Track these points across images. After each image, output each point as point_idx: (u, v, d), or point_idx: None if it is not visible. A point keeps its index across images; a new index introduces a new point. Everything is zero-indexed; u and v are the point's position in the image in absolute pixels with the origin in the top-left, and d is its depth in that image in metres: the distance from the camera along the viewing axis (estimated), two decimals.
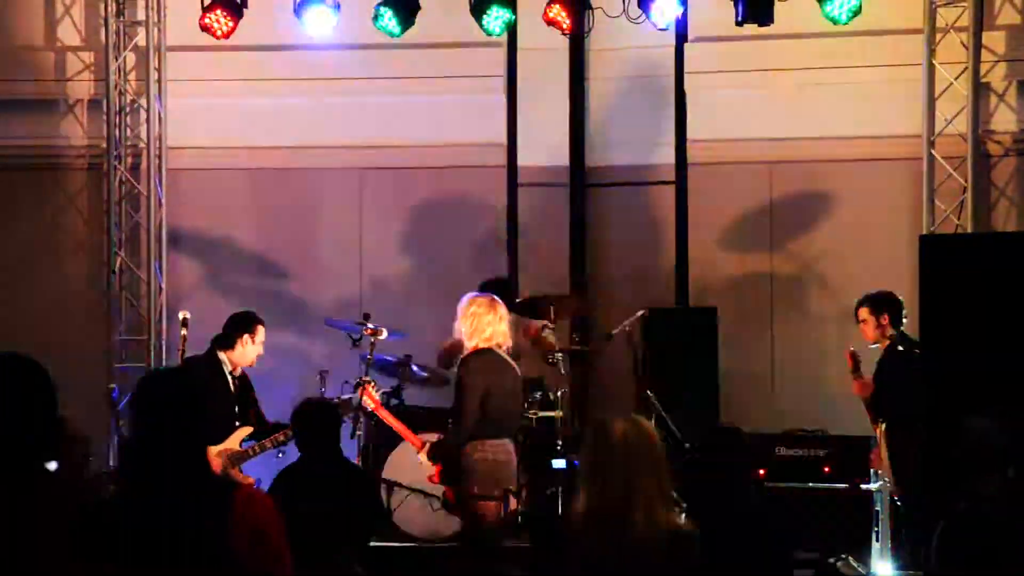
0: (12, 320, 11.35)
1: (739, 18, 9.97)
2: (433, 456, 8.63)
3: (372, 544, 8.20)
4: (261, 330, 9.34)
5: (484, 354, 8.55)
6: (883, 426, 9.19)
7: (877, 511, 9.03)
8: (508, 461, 8.53)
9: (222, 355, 9.23)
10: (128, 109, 11.53)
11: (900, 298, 9.50)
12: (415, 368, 10.15)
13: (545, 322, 10.17)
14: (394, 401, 9.93)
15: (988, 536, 4.99)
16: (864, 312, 9.50)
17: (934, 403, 8.08)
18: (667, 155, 11.38)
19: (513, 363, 8.61)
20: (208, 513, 3.92)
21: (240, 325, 9.28)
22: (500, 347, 8.53)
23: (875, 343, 9.46)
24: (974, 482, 5.08)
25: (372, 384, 9.42)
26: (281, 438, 9.12)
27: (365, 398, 9.30)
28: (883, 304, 9.45)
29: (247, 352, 9.28)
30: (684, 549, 4.38)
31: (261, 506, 4.08)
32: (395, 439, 9.79)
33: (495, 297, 8.73)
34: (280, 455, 9.70)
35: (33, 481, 3.93)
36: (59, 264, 11.61)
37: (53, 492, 3.97)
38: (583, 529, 4.36)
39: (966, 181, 10.70)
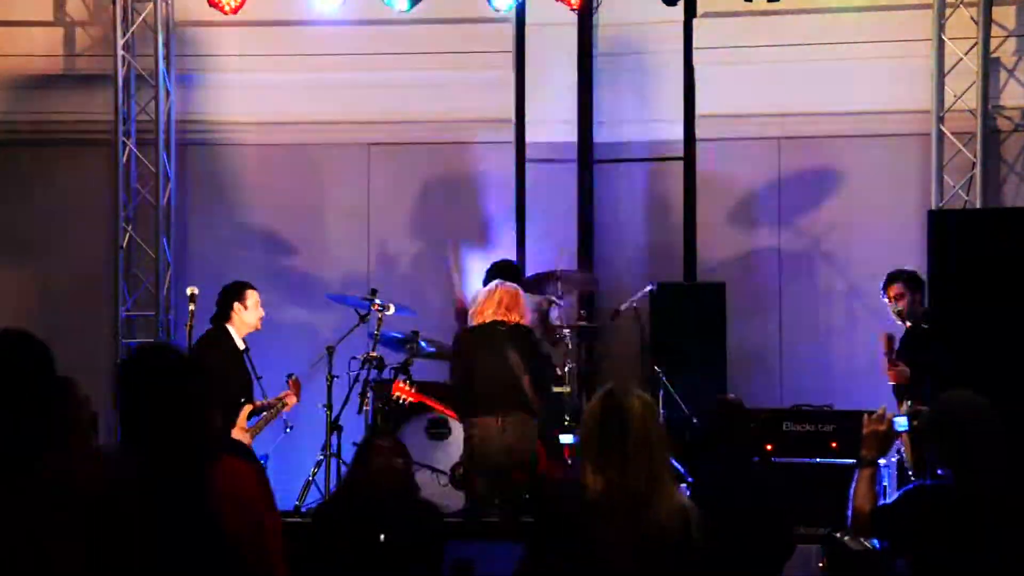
0: (21, 295, 11.38)
1: None
2: None
3: None
4: (252, 293, 9.37)
5: (469, 329, 8.67)
6: (907, 404, 9.01)
7: (885, 486, 9.04)
8: (492, 438, 8.58)
9: (229, 328, 9.27)
10: (136, 85, 11.52)
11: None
12: (422, 343, 10.16)
13: (552, 297, 10.18)
14: (402, 376, 9.93)
15: (951, 511, 4.96)
16: (899, 288, 9.37)
17: (942, 378, 8.06)
18: (675, 131, 11.34)
19: (503, 338, 8.63)
20: (189, 485, 3.89)
21: (229, 295, 9.32)
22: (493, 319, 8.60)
23: (904, 321, 9.35)
24: (961, 456, 5.01)
25: (403, 381, 9.48)
26: (273, 414, 9.23)
27: (400, 395, 9.39)
28: (919, 281, 9.33)
29: (245, 318, 9.32)
30: (691, 526, 4.36)
31: (244, 477, 4.03)
32: (404, 416, 9.81)
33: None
34: (289, 430, 9.74)
35: (33, 459, 3.90)
36: (67, 240, 11.60)
37: (57, 467, 3.95)
38: (600, 509, 4.31)
39: (975, 157, 10.67)
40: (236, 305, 9.29)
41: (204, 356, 8.98)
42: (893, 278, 9.45)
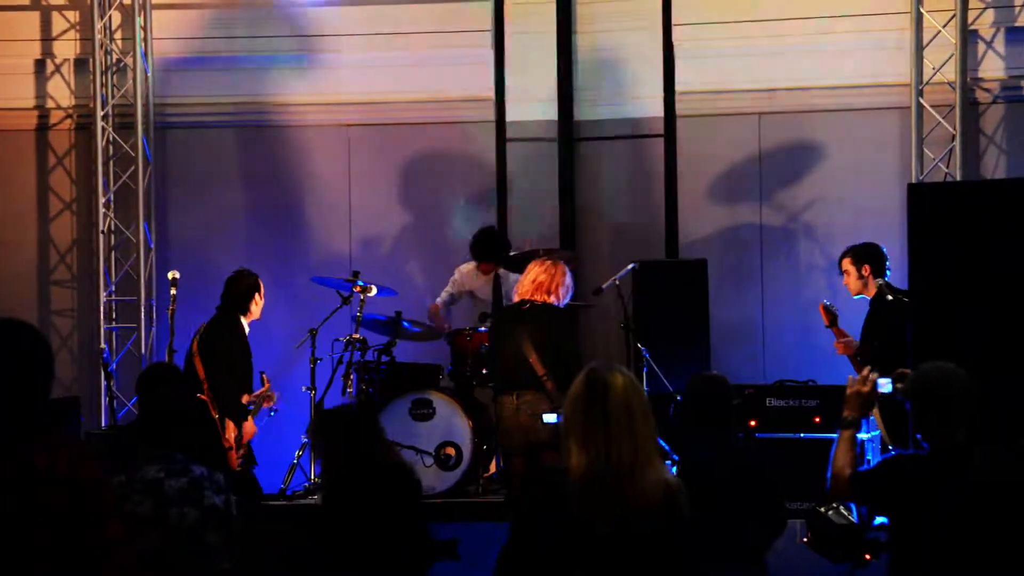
0: (1, 282, 11.35)
1: None
2: None
3: None
4: (261, 283, 9.44)
5: (501, 310, 9.11)
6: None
7: (868, 460, 9.07)
8: (509, 416, 8.66)
9: (243, 320, 9.30)
10: (114, 68, 11.48)
11: (883, 249, 9.48)
12: (406, 324, 10.15)
13: None
14: (385, 358, 9.93)
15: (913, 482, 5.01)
16: (846, 263, 9.48)
17: (922, 352, 8.07)
18: (656, 108, 11.32)
19: (522, 318, 8.68)
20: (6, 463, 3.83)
21: (250, 287, 9.35)
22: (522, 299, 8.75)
23: (857, 295, 9.46)
24: (940, 430, 5.06)
25: None
26: (256, 409, 9.28)
27: None
28: (863, 255, 9.41)
29: (257, 310, 9.40)
30: (678, 502, 4.37)
31: (68, 455, 3.89)
32: (387, 397, 9.80)
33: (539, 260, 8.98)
34: (273, 413, 9.74)
35: (31, 451, 3.87)
36: (48, 225, 11.59)
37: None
38: (585, 487, 4.31)
39: (955, 129, 10.69)
40: (256, 296, 9.37)
41: (228, 343, 9.14)
42: (842, 255, 9.55)
